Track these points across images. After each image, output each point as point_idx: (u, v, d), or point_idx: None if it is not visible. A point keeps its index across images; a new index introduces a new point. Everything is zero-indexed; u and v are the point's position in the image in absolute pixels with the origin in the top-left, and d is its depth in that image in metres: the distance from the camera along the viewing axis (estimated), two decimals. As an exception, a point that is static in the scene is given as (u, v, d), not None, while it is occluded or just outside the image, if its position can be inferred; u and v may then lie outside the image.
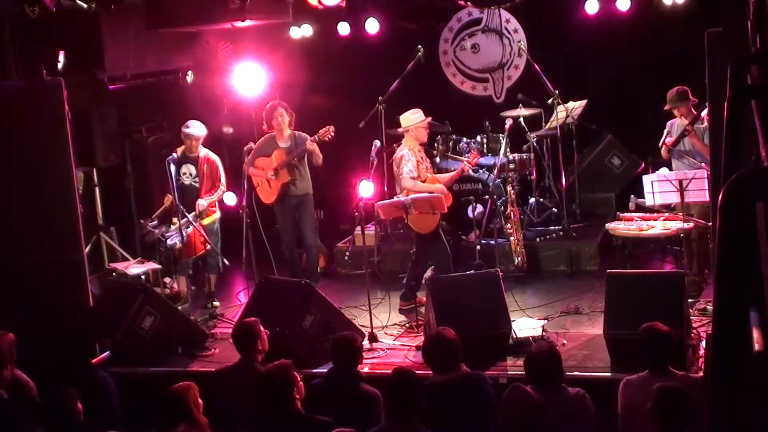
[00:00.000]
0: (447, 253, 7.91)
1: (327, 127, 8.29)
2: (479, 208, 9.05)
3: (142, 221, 8.45)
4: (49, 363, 5.88)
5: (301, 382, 4.96)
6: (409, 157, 7.91)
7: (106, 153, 8.79)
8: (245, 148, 8.33)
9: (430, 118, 8.12)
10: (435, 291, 6.84)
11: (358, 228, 7.91)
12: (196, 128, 8.34)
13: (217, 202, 8.48)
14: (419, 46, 9.67)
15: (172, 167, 8.02)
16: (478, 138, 9.56)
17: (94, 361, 7.06)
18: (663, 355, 5.14)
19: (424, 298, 7.28)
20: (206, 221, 8.32)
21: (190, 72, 9.80)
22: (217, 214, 8.50)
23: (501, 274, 6.96)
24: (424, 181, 7.92)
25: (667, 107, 7.86)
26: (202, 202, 8.25)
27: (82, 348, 5.97)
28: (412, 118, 8.01)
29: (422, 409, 4.75)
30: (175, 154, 8.20)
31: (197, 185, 8.33)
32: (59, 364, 5.92)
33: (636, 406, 4.94)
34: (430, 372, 5.56)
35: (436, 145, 9.45)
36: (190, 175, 8.35)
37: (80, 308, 7.22)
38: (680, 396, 4.48)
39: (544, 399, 4.85)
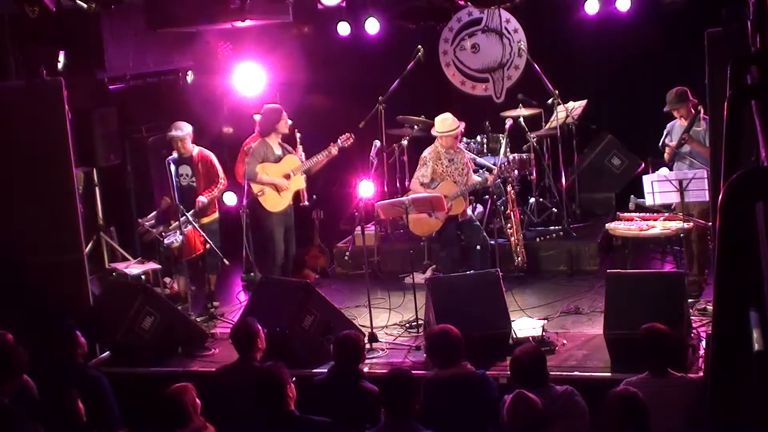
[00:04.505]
0: (450, 251, 8.06)
1: (347, 134, 8.42)
2: (479, 208, 9.07)
3: (139, 220, 8.45)
4: (42, 363, 5.87)
5: (292, 384, 4.95)
6: (425, 162, 8.13)
7: (106, 153, 8.78)
8: (245, 147, 8.32)
9: (458, 130, 8.16)
10: (435, 291, 6.83)
11: (358, 228, 7.93)
12: (179, 129, 8.24)
13: (216, 202, 8.47)
14: (419, 46, 9.66)
15: (172, 167, 8.02)
16: (478, 138, 9.56)
17: (93, 361, 7.08)
18: (664, 357, 5.12)
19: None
20: (206, 221, 8.27)
21: (190, 72, 9.79)
22: (217, 214, 8.48)
23: (501, 274, 6.97)
24: (440, 183, 8.09)
25: (666, 108, 7.85)
26: (202, 199, 8.22)
27: (71, 346, 5.92)
28: (440, 127, 8.11)
29: (418, 408, 4.75)
30: (175, 155, 8.20)
31: (195, 185, 8.30)
32: (50, 364, 5.91)
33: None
34: (428, 372, 5.58)
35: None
36: (187, 175, 8.31)
37: (74, 308, 7.20)
38: (634, 401, 4.39)
39: None
